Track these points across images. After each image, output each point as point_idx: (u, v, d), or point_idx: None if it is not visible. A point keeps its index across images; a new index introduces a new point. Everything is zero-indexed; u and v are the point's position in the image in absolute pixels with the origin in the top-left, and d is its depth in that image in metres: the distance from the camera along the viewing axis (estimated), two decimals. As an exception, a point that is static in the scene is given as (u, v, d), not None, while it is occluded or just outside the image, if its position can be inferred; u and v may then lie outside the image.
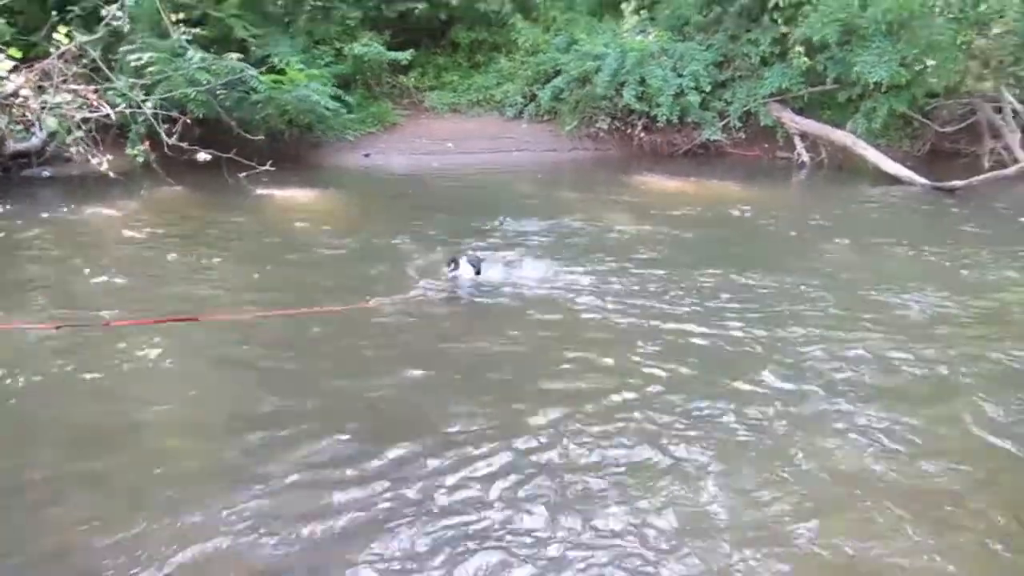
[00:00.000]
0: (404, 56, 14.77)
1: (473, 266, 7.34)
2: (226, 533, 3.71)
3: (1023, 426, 4.98)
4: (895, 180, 13.08)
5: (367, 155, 13.83)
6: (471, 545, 3.71)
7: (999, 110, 14.72)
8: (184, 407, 5.03)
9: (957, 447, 4.76)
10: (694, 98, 14.49)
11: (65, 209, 9.85)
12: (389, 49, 14.76)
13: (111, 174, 9.85)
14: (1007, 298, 7.53)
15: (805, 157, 14.51)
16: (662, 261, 8.31)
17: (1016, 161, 13.38)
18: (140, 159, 10.45)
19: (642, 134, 14.96)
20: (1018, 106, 14.74)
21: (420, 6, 15.28)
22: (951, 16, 14.16)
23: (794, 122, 14.65)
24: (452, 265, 7.32)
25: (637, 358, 5.82)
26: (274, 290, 7.16)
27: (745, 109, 14.87)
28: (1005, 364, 5.91)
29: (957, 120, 15.07)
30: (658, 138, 15.10)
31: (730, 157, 15.14)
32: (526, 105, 15.42)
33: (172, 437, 4.66)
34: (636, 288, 7.39)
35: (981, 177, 12.26)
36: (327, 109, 13.05)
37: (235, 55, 12.15)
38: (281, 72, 12.81)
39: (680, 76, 14.56)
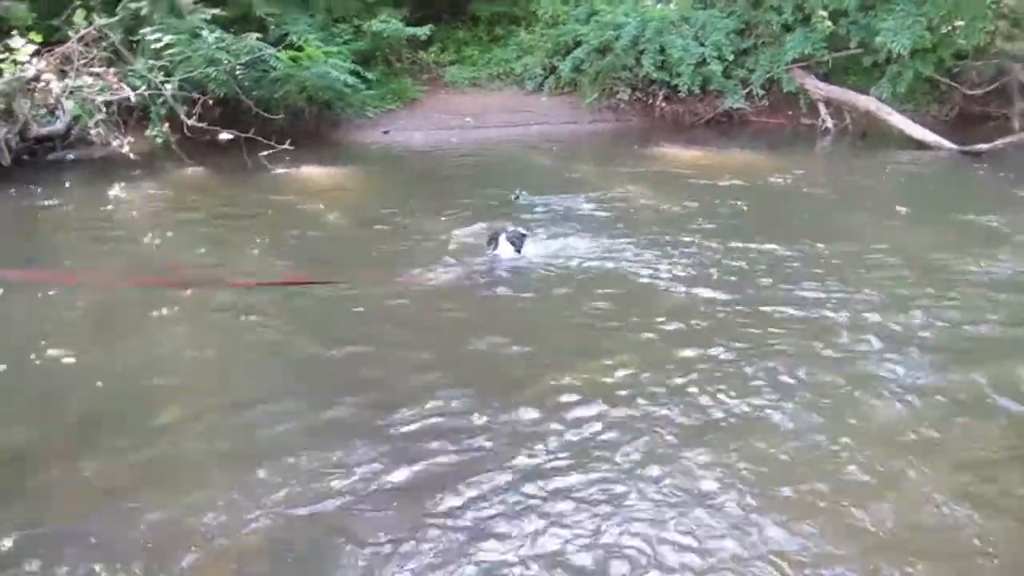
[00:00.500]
0: (423, 31, 14.74)
1: (513, 244, 7.13)
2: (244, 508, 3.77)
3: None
4: (921, 145, 12.86)
5: (386, 132, 13.86)
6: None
7: (1030, 71, 14.38)
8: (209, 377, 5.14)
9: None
10: (716, 66, 14.32)
11: (90, 191, 10.02)
12: (408, 25, 14.74)
13: (132, 156, 10.00)
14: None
15: (829, 123, 14.29)
16: (696, 232, 8.15)
17: (1046, 122, 13.13)
18: (160, 140, 10.57)
19: (663, 104, 14.84)
20: (1050, 67, 14.40)
21: (439, -20, 15.26)
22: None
23: (818, 88, 14.43)
24: (492, 244, 7.15)
25: (698, 326, 5.81)
26: (297, 266, 7.20)
27: (768, 76, 14.67)
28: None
29: (986, 82, 14.72)
30: (680, 108, 14.96)
31: (753, 125, 14.97)
32: (546, 78, 15.33)
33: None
34: (681, 261, 7.27)
35: (1008, 139, 12.02)
36: (346, 86, 13.08)
37: (254, 34, 12.23)
38: (299, 50, 12.86)
39: (702, 45, 14.41)
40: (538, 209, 9.19)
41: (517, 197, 9.51)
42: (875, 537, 3.56)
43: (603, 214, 9.02)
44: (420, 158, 13.04)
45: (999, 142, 11.93)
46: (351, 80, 13.10)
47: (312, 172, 11.34)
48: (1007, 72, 14.51)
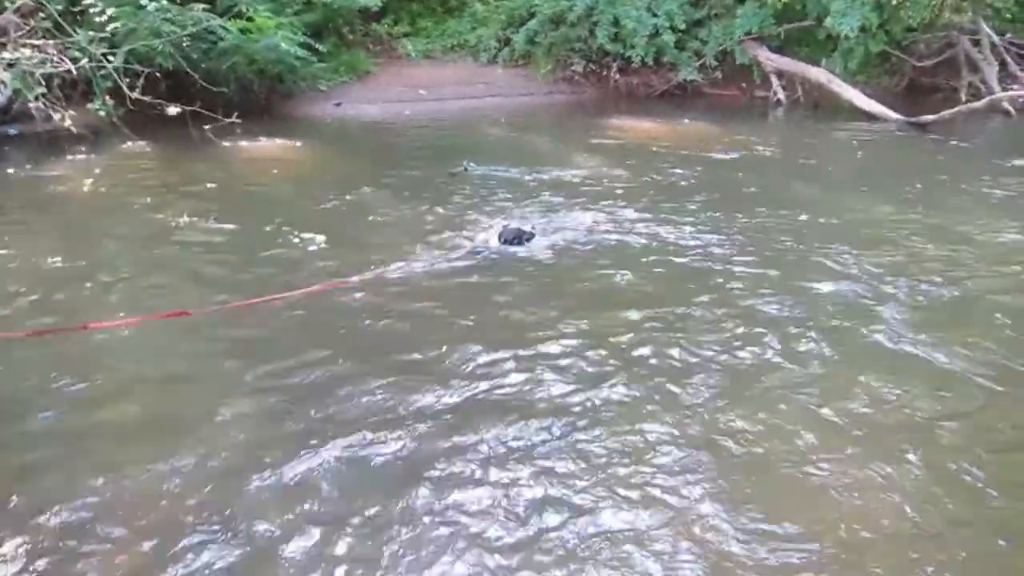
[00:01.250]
0: (376, 2, 14.57)
1: (508, 242, 6.73)
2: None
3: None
4: (870, 116, 13.04)
5: (338, 104, 13.72)
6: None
7: (977, 43, 14.59)
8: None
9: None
10: (669, 38, 14.36)
11: (29, 167, 9.81)
12: (360, -4, 14.58)
13: (74, 130, 9.82)
14: (969, 231, 7.54)
15: (781, 95, 14.42)
16: (649, 201, 8.25)
17: (992, 94, 13.32)
18: (104, 115, 10.39)
19: (617, 76, 14.86)
20: (996, 38, 14.63)
21: (392, -50, 15.08)
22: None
23: (770, 60, 14.55)
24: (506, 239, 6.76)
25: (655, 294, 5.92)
26: (245, 252, 6.86)
27: (721, 48, 14.74)
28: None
29: (935, 54, 14.97)
30: (634, 79, 15.01)
31: (707, 97, 15.07)
32: (500, 50, 15.27)
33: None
34: (634, 230, 7.32)
35: (951, 111, 12.21)
36: (297, 58, 12.88)
37: (201, 4, 12.02)
38: (249, 20, 12.65)
39: (655, 16, 14.42)
40: (488, 180, 9.18)
41: (465, 169, 9.50)
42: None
43: (555, 184, 9.03)
44: (373, 131, 12.93)
45: (944, 113, 12.12)
46: (302, 52, 12.91)
47: (263, 146, 11.21)
48: (955, 44, 14.72)
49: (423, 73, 14.87)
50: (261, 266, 6.49)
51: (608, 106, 14.27)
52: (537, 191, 8.70)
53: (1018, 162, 10.27)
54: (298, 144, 11.53)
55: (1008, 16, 14.85)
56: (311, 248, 6.84)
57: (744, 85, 15.13)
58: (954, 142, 11.61)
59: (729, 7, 14.76)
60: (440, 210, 7.87)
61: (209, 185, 9.02)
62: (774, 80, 14.52)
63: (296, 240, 7.00)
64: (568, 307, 5.64)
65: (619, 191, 8.75)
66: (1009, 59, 14.69)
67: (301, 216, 7.76)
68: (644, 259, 6.60)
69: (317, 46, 13.77)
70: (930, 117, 12.14)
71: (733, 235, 7.21)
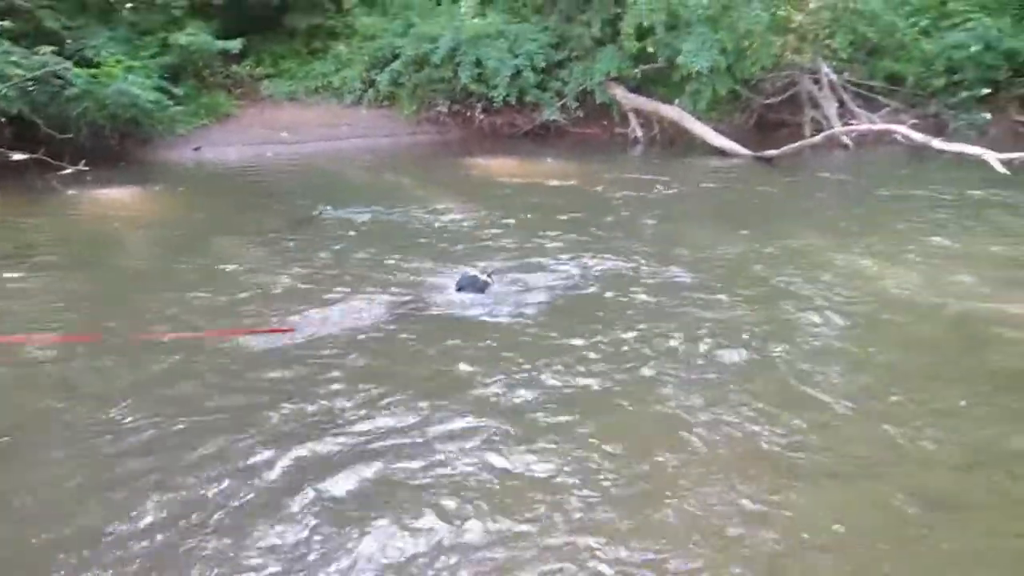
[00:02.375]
0: (234, 45, 14.42)
1: (463, 288, 6.55)
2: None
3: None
4: (722, 152, 13.66)
5: (197, 148, 13.44)
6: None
7: (817, 81, 15.51)
8: None
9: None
10: (531, 78, 14.69)
11: None
12: (220, 38, 14.38)
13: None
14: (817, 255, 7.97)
15: (639, 133, 14.96)
16: (510, 239, 8.39)
17: (831, 128, 14.18)
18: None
19: (482, 116, 15.08)
20: (834, 76, 15.57)
21: (251, -7, 14.96)
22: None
23: (628, 99, 15.07)
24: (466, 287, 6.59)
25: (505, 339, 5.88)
26: (86, 309, 6.56)
27: (581, 88, 15.16)
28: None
29: (780, 92, 15.82)
30: (498, 119, 15.26)
31: (570, 136, 15.45)
32: (365, 91, 15.28)
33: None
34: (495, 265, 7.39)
35: (793, 146, 12.88)
36: (150, 102, 12.59)
37: (48, 48, 11.64)
38: (97, 66, 12.29)
39: (516, 57, 14.73)
40: (345, 222, 9.14)
41: (320, 213, 9.43)
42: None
43: (412, 225, 9.06)
44: (233, 175, 12.71)
45: (786, 148, 12.80)
46: (155, 96, 12.62)
47: (112, 194, 10.82)
48: (797, 82, 15.61)
49: (286, 115, 14.73)
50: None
51: (473, 146, 14.46)
52: (397, 233, 8.70)
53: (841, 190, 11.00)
54: (154, 190, 11.23)
55: (844, 57, 15.80)
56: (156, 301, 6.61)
57: (605, 123, 15.60)
58: (797, 175, 12.32)
59: (589, 49, 15.21)
60: (298, 258, 7.76)
61: (36, 236, 8.64)
62: (632, 118, 15.05)
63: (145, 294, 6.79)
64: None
65: (484, 230, 8.87)
66: (846, 97, 15.64)
67: (144, 267, 7.55)
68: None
69: (173, 90, 13.51)
70: (775, 152, 12.81)
71: (582, 268, 7.42)
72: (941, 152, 11.45)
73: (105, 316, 6.22)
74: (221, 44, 14.22)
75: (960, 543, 3.66)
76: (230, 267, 7.46)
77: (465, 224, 9.14)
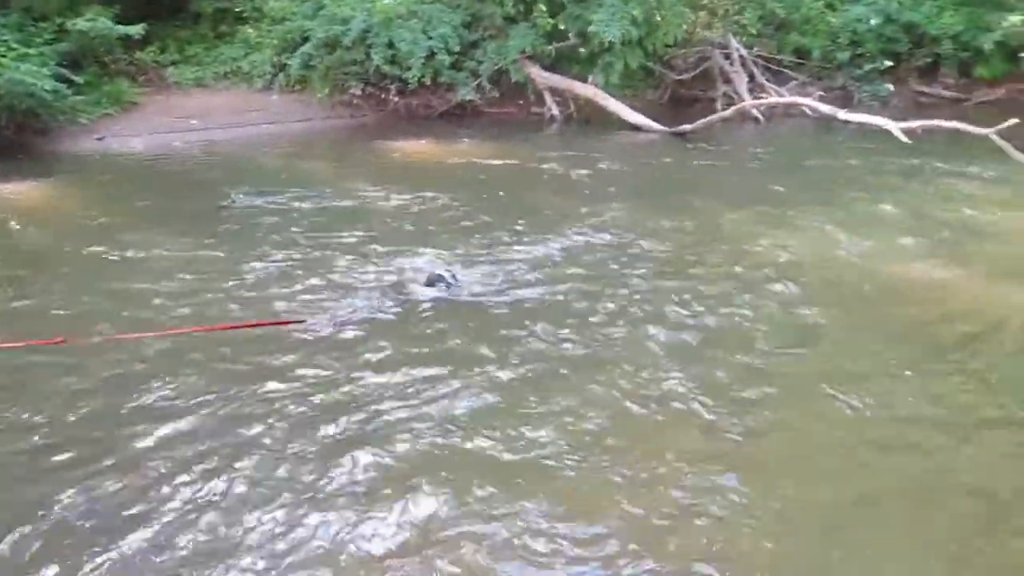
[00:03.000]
0: (137, 30, 13.86)
1: (432, 284, 6.43)
2: None
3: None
4: (637, 128, 13.80)
5: (101, 138, 12.95)
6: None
7: (728, 56, 15.77)
8: None
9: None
10: (445, 59, 14.54)
11: None
12: (122, 23, 13.86)
13: None
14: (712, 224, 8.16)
15: (555, 111, 14.98)
16: (428, 222, 8.40)
17: (742, 103, 14.46)
18: None
19: (396, 98, 14.87)
20: (744, 52, 15.86)
21: (151, -25, 14.46)
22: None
23: (542, 78, 15.05)
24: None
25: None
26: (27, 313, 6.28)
27: (496, 68, 15.06)
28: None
29: (692, 67, 16.06)
30: (414, 101, 15.08)
31: (486, 115, 15.35)
32: (276, 75, 14.91)
33: None
34: (412, 251, 7.38)
35: (705, 120, 13.12)
36: (47, 91, 12.06)
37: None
38: (-15, 55, 11.75)
39: (429, 38, 14.54)
40: (261, 210, 8.95)
41: (233, 201, 9.21)
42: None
43: (329, 209, 8.93)
44: (139, 165, 12.29)
45: (699, 123, 13.03)
46: (51, 86, 12.10)
47: (9, 188, 10.35)
48: (709, 57, 15.85)
49: (194, 102, 14.30)
50: None
51: (389, 128, 14.26)
52: (316, 220, 8.55)
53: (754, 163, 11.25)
54: (56, 183, 10.80)
55: (754, 32, 16.10)
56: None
57: (521, 102, 15.56)
58: (710, 149, 12.53)
59: (501, 28, 15.13)
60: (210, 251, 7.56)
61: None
62: (548, 97, 15.05)
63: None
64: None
65: (392, 211, 8.82)
66: (756, 71, 15.94)
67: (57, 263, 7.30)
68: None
69: (73, 78, 12.99)
70: (688, 127, 13.02)
71: (513, 250, 7.45)
72: (847, 123, 11.78)
73: (46, 319, 6.00)
74: (123, 29, 13.67)
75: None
76: (146, 261, 7.28)
77: (384, 209, 9.04)
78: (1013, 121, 9.44)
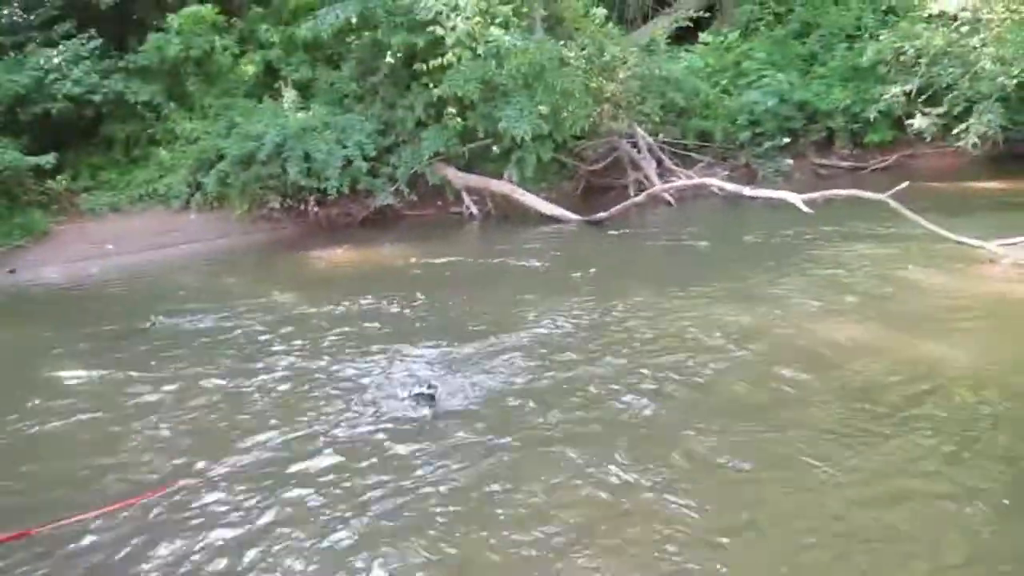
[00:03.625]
0: (47, 159, 13.84)
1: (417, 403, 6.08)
2: None
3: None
4: (554, 219, 14.16)
5: (12, 271, 12.71)
6: None
7: (635, 144, 16.38)
8: None
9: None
10: (361, 166, 14.75)
11: None
12: (31, 152, 13.81)
13: None
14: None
15: (474, 209, 15.28)
16: (350, 329, 8.37)
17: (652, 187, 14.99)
18: None
19: (316, 208, 14.97)
20: (649, 140, 16.50)
21: (58, 106, 14.44)
22: (579, 67, 15.52)
23: (458, 177, 15.40)
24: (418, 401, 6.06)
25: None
26: None
27: (412, 171, 15.35)
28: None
29: (603, 157, 16.63)
30: (333, 210, 15.20)
31: (407, 219, 15.58)
32: (192, 195, 14.91)
33: None
34: (334, 361, 7.34)
35: (618, 207, 13.55)
36: (-45, 228, 11.88)
37: None
38: None
39: (344, 147, 14.79)
40: (183, 332, 8.83)
41: (153, 324, 9.09)
42: None
43: (255, 327, 8.83)
44: (54, 296, 12.03)
45: (612, 210, 13.47)
46: (-42, 221, 11.92)
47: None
48: (617, 147, 16.44)
49: (110, 227, 14.18)
50: None
51: (310, 239, 14.33)
52: (246, 336, 8.48)
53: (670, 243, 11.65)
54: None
55: (657, 119, 16.81)
56: None
57: (440, 203, 15.86)
58: (625, 234, 12.96)
59: (414, 133, 15.48)
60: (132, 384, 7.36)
61: None
62: (465, 196, 15.38)
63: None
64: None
65: (313, 322, 8.79)
66: (664, 156, 16.58)
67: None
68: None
69: (-18, 212, 12.82)
70: (603, 214, 13.43)
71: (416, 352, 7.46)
72: (754, 199, 12.28)
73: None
74: (33, 160, 13.65)
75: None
76: (64, 403, 6.95)
77: (315, 320, 8.98)
78: (904, 185, 10.00)
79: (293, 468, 5.34)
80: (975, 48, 14.33)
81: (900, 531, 4.26)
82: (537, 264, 11.61)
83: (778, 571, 4.02)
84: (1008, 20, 14.21)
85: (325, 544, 4.45)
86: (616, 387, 6.30)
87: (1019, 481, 4.69)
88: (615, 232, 13.16)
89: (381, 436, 5.73)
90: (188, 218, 14.68)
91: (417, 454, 5.41)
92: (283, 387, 6.85)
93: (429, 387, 6.08)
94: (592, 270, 10.60)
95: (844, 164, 18.11)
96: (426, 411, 5.96)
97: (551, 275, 10.89)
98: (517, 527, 4.47)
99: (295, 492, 5.04)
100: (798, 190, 12.09)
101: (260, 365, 7.42)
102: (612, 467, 5.05)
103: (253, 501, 4.95)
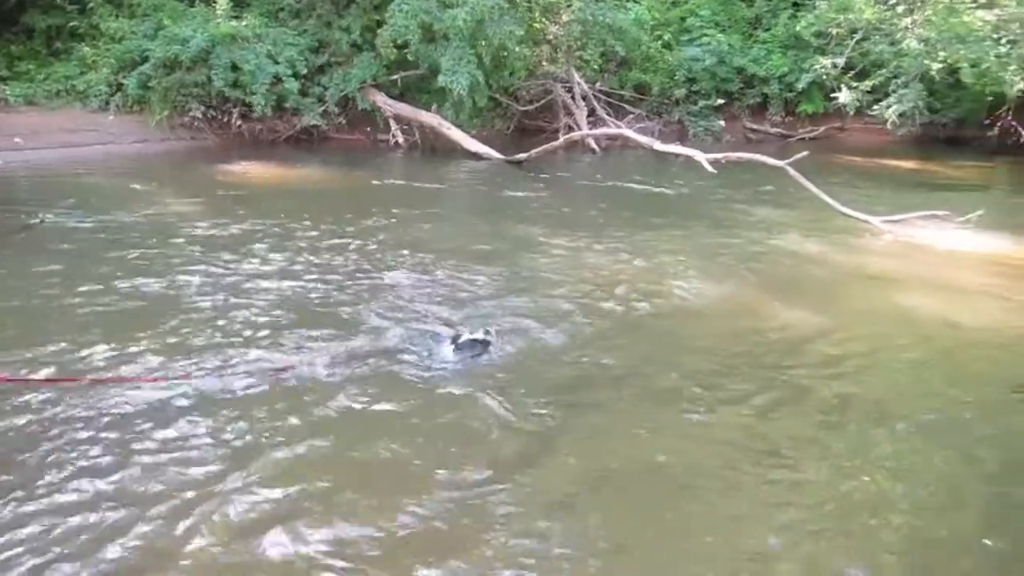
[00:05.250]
0: (-37, 44, 13.35)
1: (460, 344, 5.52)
2: None
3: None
4: (478, 156, 14.19)
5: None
6: None
7: (570, 89, 16.41)
8: None
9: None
10: (291, 84, 14.51)
11: None
12: (-55, 37, 13.30)
13: None
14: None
15: (400, 139, 15.21)
16: (250, 245, 8.25)
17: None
18: None
19: (240, 122, 14.74)
20: (584, 86, 16.55)
21: (-22, -12, 13.89)
22: (524, 8, 15.35)
23: (388, 105, 15.26)
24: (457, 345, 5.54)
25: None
26: None
27: (343, 94, 15.16)
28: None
29: (537, 99, 16.63)
30: (258, 125, 14.97)
31: (333, 142, 15.47)
32: (112, 95, 14.51)
33: None
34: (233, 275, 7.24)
35: (538, 150, 13.64)
36: None
37: None
38: None
39: (275, 62, 14.50)
40: (73, 230, 8.68)
41: (41, 220, 8.91)
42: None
43: (139, 231, 8.71)
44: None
45: (532, 152, 13.54)
46: None
47: None
48: (552, 91, 16.44)
49: (22, 120, 13.73)
50: None
51: (232, 152, 14.12)
52: (138, 242, 8.30)
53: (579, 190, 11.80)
54: None
55: (596, 68, 16.83)
56: None
57: (368, 129, 15.74)
58: (540, 177, 13.08)
59: (347, 55, 15.24)
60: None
61: None
62: (393, 124, 15.27)
63: None
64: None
65: (219, 235, 8.66)
66: (598, 105, 16.65)
67: None
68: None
69: None
70: (523, 156, 13.49)
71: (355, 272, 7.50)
72: (666, 154, 12.45)
73: None
74: (-54, 43, 13.13)
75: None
76: None
77: (211, 232, 8.85)
78: (804, 154, 10.32)
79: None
80: (905, 28, 14.58)
81: (715, 473, 4.45)
82: (449, 197, 11.70)
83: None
84: (940, 5, 14.47)
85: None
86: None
87: (836, 426, 4.96)
88: (533, 174, 13.27)
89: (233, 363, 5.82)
90: (106, 119, 14.29)
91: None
92: (149, 298, 6.67)
93: (486, 332, 5.58)
94: (496, 205, 10.71)
95: (774, 131, 18.43)
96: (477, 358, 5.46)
97: (456, 208, 10.99)
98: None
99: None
100: (728, 151, 12.31)
101: (140, 274, 7.30)
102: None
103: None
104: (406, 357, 5.59)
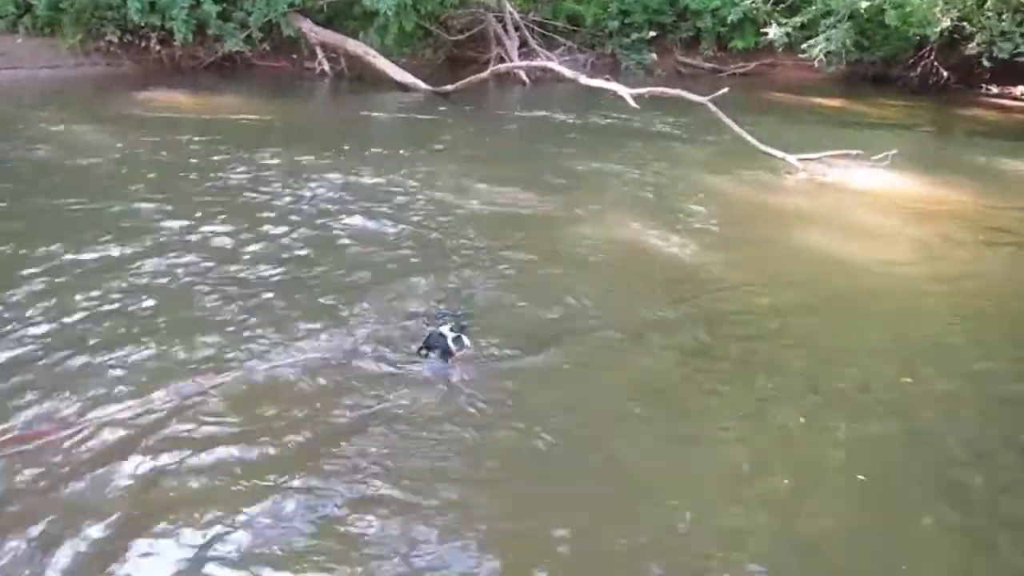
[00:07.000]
0: None
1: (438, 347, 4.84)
2: None
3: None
4: (404, 87, 13.98)
5: None
6: None
7: (501, 19, 16.15)
8: None
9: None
10: (211, 8, 13.98)
11: None
12: None
13: None
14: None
15: (327, 67, 14.85)
16: (161, 178, 8.07)
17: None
18: None
19: (158, 47, 14.20)
20: (516, 17, 16.30)
21: None
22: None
23: (314, 32, 14.83)
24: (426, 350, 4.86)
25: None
26: None
27: (267, 19, 14.66)
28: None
29: (468, 29, 16.36)
30: (178, 52, 14.41)
31: (258, 69, 15.05)
32: (21, 16, 13.81)
33: None
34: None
35: (464, 81, 13.47)
36: None
37: None
38: None
39: (196, -13, 13.94)
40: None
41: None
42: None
43: (37, 161, 8.44)
44: None
45: (459, 84, 13.39)
46: None
47: None
48: (484, 20, 16.18)
49: (-80, 42, 13.09)
50: None
51: (150, 79, 13.59)
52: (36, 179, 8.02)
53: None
54: None
55: (529, -3, 16.62)
56: None
57: (294, 57, 15.33)
58: (466, 109, 12.97)
59: (271, -23, 14.72)
60: None
61: None
62: (319, 52, 14.88)
63: None
64: None
65: (119, 169, 8.44)
66: (529, 36, 16.44)
67: None
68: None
69: None
70: (450, 87, 13.33)
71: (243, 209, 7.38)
72: (590, 87, 12.41)
73: None
74: None
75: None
76: None
77: (117, 161, 8.63)
78: (724, 90, 10.37)
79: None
80: (835, -36, 14.63)
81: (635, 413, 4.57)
82: (371, 128, 11.54)
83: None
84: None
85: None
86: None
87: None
88: (459, 105, 13.16)
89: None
90: (14, 42, 13.62)
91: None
92: (43, 227, 6.55)
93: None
94: (410, 139, 10.64)
95: (706, 65, 18.45)
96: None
97: (377, 139, 10.83)
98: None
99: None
100: (659, 85, 12.33)
101: (36, 201, 7.14)
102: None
103: None
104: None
